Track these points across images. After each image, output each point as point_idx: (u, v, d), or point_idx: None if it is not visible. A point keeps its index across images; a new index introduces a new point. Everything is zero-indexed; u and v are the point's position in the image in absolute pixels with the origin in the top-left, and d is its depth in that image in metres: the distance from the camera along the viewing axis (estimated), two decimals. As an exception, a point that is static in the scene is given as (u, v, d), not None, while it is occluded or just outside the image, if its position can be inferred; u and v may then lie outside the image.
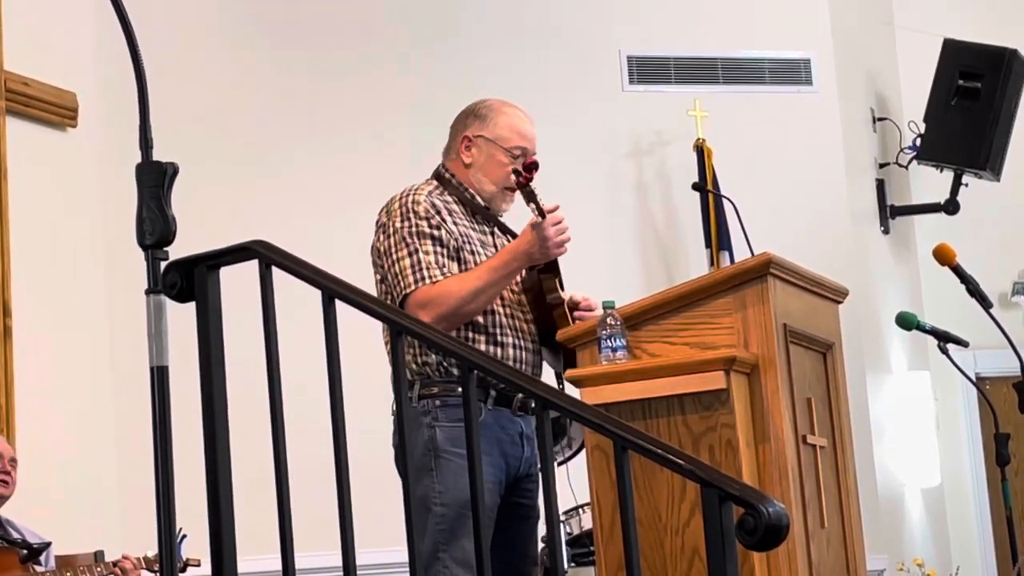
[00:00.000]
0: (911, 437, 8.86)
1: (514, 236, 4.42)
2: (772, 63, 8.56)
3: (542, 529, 4.41)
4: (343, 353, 2.90)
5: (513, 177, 4.29)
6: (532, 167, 4.27)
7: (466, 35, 8.05)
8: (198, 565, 5.40)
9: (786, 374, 3.91)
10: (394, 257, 4.21)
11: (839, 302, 4.42)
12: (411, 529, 2.88)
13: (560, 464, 5.04)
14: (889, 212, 9.14)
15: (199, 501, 2.84)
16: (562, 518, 5.71)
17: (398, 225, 4.23)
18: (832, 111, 8.62)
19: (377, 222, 4.34)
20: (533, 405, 3.86)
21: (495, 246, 4.37)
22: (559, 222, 4.20)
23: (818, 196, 8.44)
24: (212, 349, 2.86)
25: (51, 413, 6.55)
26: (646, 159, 8.32)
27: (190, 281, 2.87)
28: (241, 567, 2.86)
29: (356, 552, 2.85)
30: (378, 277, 4.31)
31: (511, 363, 4.20)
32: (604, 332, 3.91)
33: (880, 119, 9.24)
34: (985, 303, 5.44)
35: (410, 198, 4.28)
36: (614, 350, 3.89)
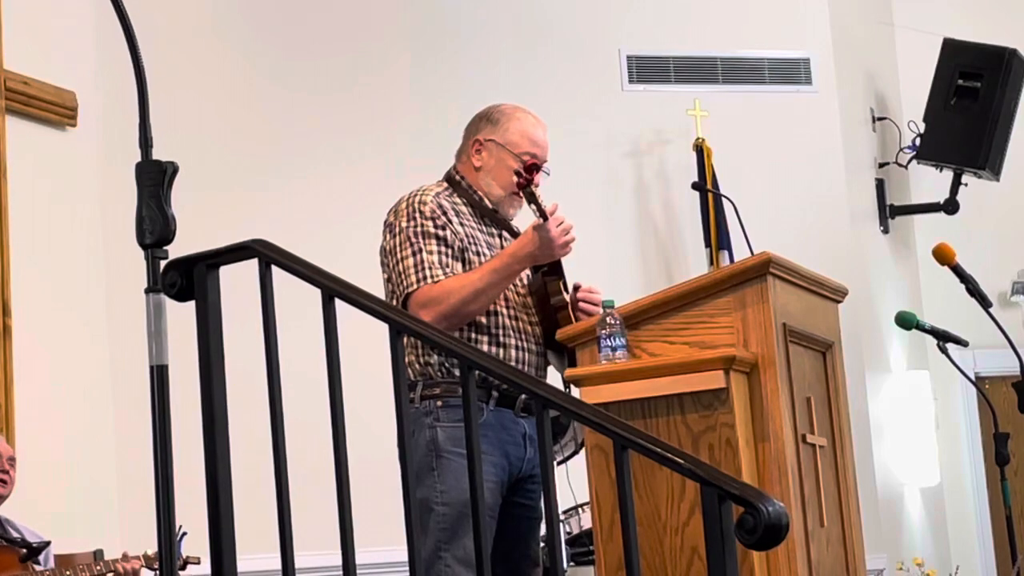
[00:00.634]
0: (910, 436, 8.86)
1: None
2: (772, 63, 8.57)
3: (541, 529, 4.42)
4: (343, 352, 2.90)
5: (514, 178, 4.30)
6: (533, 169, 4.29)
7: (466, 36, 8.05)
8: (198, 563, 5.40)
9: (786, 373, 3.91)
10: (398, 256, 4.23)
11: (838, 301, 4.42)
12: (411, 529, 2.88)
13: (560, 463, 5.04)
14: (889, 211, 9.14)
15: (199, 499, 2.84)
16: (561, 517, 5.71)
17: (403, 225, 4.26)
18: (832, 110, 8.62)
19: (384, 222, 4.36)
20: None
21: (502, 248, 4.38)
22: (562, 223, 4.22)
23: (818, 196, 8.44)
24: (212, 348, 2.86)
25: (50, 412, 6.55)
26: (646, 158, 8.32)
27: (190, 280, 2.87)
28: (241, 566, 2.86)
29: (356, 551, 2.85)
30: (385, 277, 4.33)
31: (513, 364, 4.21)
32: (604, 331, 3.91)
33: (880, 119, 9.24)
34: (984, 302, 5.44)
35: (417, 198, 4.30)
36: (614, 349, 3.89)
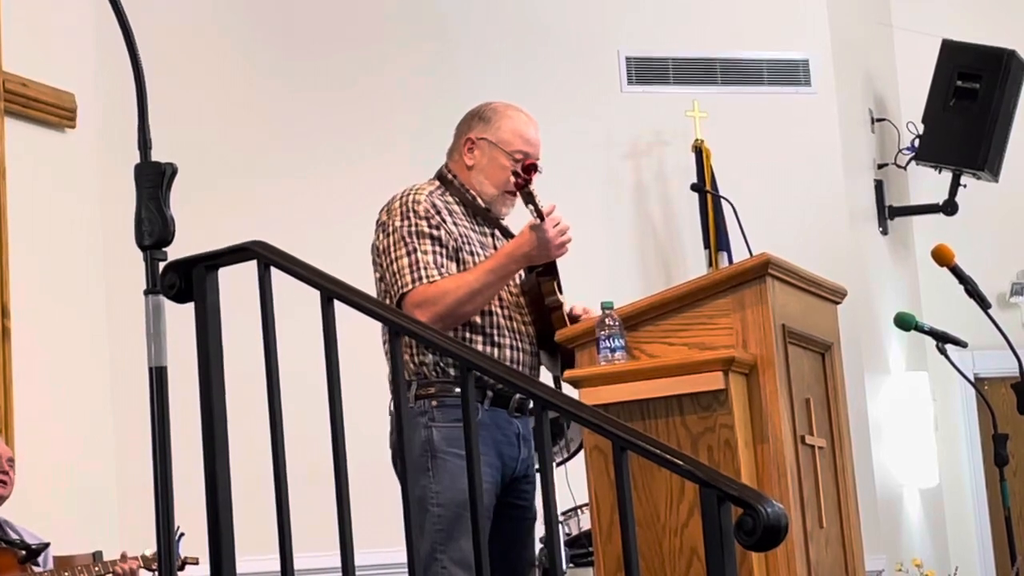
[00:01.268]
0: (909, 437, 8.86)
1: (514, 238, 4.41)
2: (770, 64, 8.57)
3: (539, 530, 4.41)
4: (342, 353, 2.90)
5: (512, 178, 4.28)
6: (531, 169, 4.26)
7: (465, 37, 8.05)
8: (196, 563, 5.40)
9: (785, 374, 3.91)
10: (392, 256, 4.21)
11: (838, 303, 4.42)
12: (410, 530, 2.88)
13: (558, 465, 5.04)
14: (887, 213, 9.14)
15: (198, 500, 2.84)
16: (560, 519, 5.71)
17: (397, 224, 4.24)
18: (830, 112, 8.62)
19: (377, 221, 4.34)
20: (531, 406, 3.87)
21: (495, 248, 4.37)
22: (558, 223, 4.21)
23: (816, 197, 8.44)
24: (211, 349, 2.86)
25: (50, 413, 6.55)
26: (644, 160, 8.32)
27: (189, 282, 2.86)
28: (240, 567, 2.86)
29: (355, 552, 2.85)
30: (377, 276, 4.31)
31: (508, 364, 4.20)
32: (603, 333, 3.91)
33: (878, 120, 9.24)
34: (983, 303, 5.44)
35: (410, 197, 4.28)
36: (613, 351, 3.89)
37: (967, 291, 5.46)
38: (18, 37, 6.67)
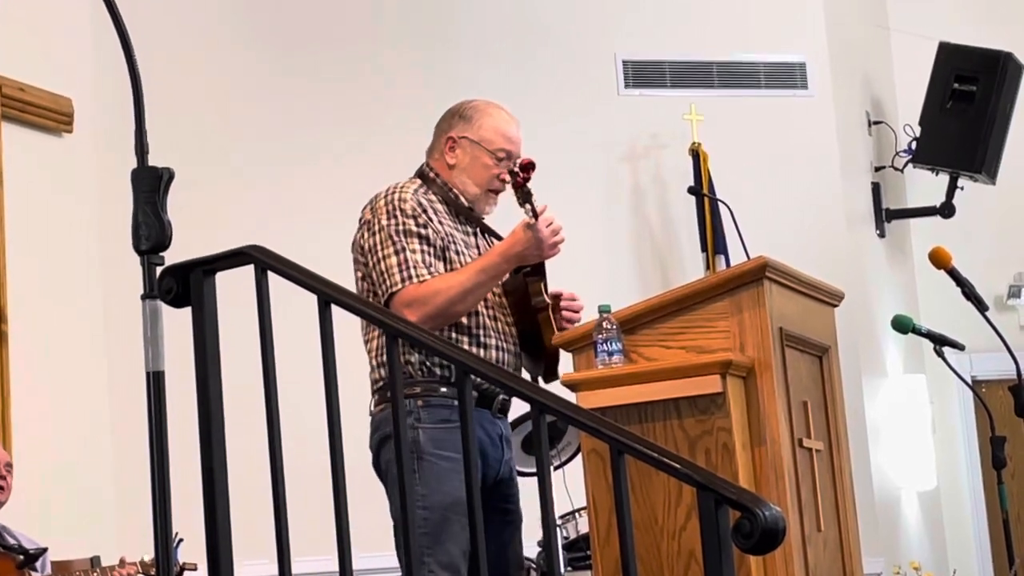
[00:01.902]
0: (907, 440, 8.86)
1: (497, 237, 4.38)
2: (767, 67, 8.57)
3: (536, 533, 4.40)
4: (339, 357, 2.90)
5: (509, 177, 4.24)
6: (529, 167, 4.19)
7: (462, 39, 8.06)
8: (195, 569, 5.41)
9: (782, 377, 3.91)
10: (380, 255, 4.15)
11: (835, 305, 4.42)
12: (407, 532, 2.88)
13: (555, 469, 5.04)
14: (885, 215, 9.15)
15: (195, 505, 2.84)
16: (558, 522, 5.71)
17: (384, 223, 4.18)
18: (827, 114, 8.63)
19: (361, 219, 4.28)
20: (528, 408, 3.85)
21: (478, 247, 4.32)
22: (551, 223, 4.16)
23: (814, 200, 8.45)
24: (208, 354, 2.86)
25: (47, 418, 6.55)
26: (642, 163, 8.32)
27: (186, 286, 2.86)
28: (238, 572, 2.86)
29: (353, 556, 2.85)
30: (359, 274, 4.24)
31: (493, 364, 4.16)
32: (600, 336, 3.91)
33: (875, 122, 9.25)
34: (981, 306, 5.44)
35: (396, 195, 4.23)
36: (610, 354, 3.89)
37: (964, 294, 5.46)
38: (15, 42, 6.68)
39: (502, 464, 4.24)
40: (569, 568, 5.80)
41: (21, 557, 5.43)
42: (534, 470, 2.97)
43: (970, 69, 8.75)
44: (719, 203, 7.84)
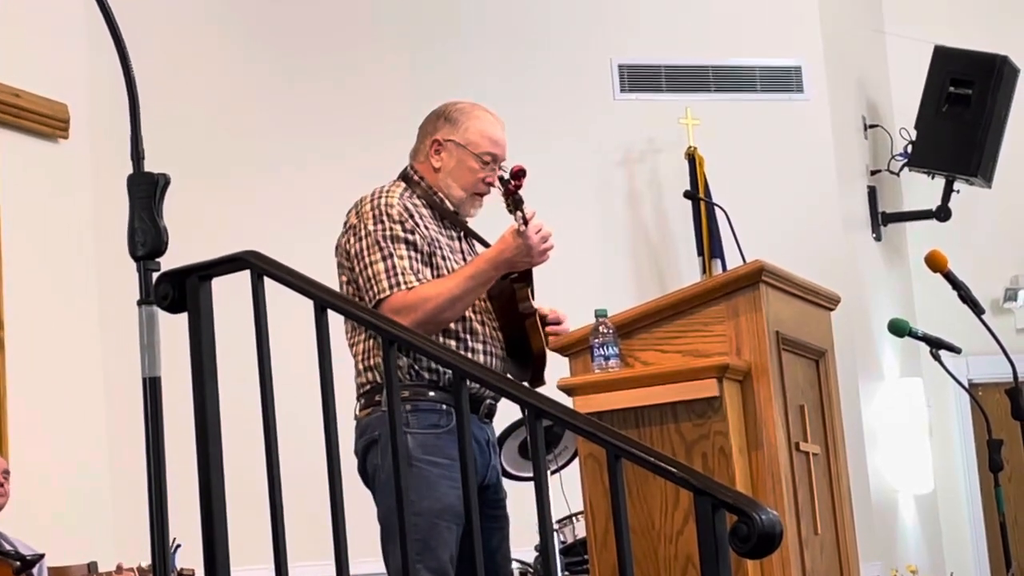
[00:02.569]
0: (904, 444, 8.87)
1: (481, 241, 4.36)
2: (763, 71, 8.58)
3: (534, 538, 4.40)
4: (335, 362, 2.90)
5: (499, 184, 4.22)
6: (521, 174, 4.15)
7: (459, 44, 8.06)
8: (192, 575, 5.40)
9: (779, 381, 3.91)
10: (367, 260, 4.12)
11: (831, 309, 4.42)
12: (403, 537, 2.88)
13: (552, 473, 5.04)
14: (881, 219, 9.15)
15: (193, 511, 2.83)
16: (556, 527, 5.71)
17: (371, 228, 4.14)
18: (823, 118, 8.63)
19: (346, 223, 4.25)
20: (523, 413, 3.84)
21: (463, 251, 4.30)
22: (540, 229, 4.12)
23: (810, 203, 8.46)
24: (204, 360, 2.86)
25: (44, 425, 6.54)
26: (638, 167, 8.33)
27: (182, 292, 2.86)
28: (235, 577, 2.86)
29: (350, 561, 2.85)
30: (344, 279, 4.21)
31: None
32: (596, 340, 3.91)
33: (871, 126, 9.26)
34: (977, 309, 5.44)
35: (382, 200, 4.19)
36: (607, 358, 3.89)
37: (960, 297, 5.46)
38: (11, 48, 6.68)
39: (489, 469, 4.22)
40: (566, 573, 5.80)
41: (18, 563, 5.42)
42: (531, 474, 2.97)
43: (965, 73, 8.76)
44: (715, 207, 7.84)
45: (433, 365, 4.04)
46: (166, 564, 2.78)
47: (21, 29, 6.78)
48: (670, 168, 8.23)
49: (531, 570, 5.90)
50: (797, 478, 3.94)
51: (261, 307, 2.89)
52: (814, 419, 4.15)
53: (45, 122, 6.80)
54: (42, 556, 5.56)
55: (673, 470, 2.71)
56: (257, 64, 7.70)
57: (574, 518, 5.78)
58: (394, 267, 4.09)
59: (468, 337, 4.19)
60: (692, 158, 8.10)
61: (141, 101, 2.85)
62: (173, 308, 2.86)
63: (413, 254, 4.13)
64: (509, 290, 4.25)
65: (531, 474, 4.18)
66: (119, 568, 5.54)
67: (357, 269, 4.15)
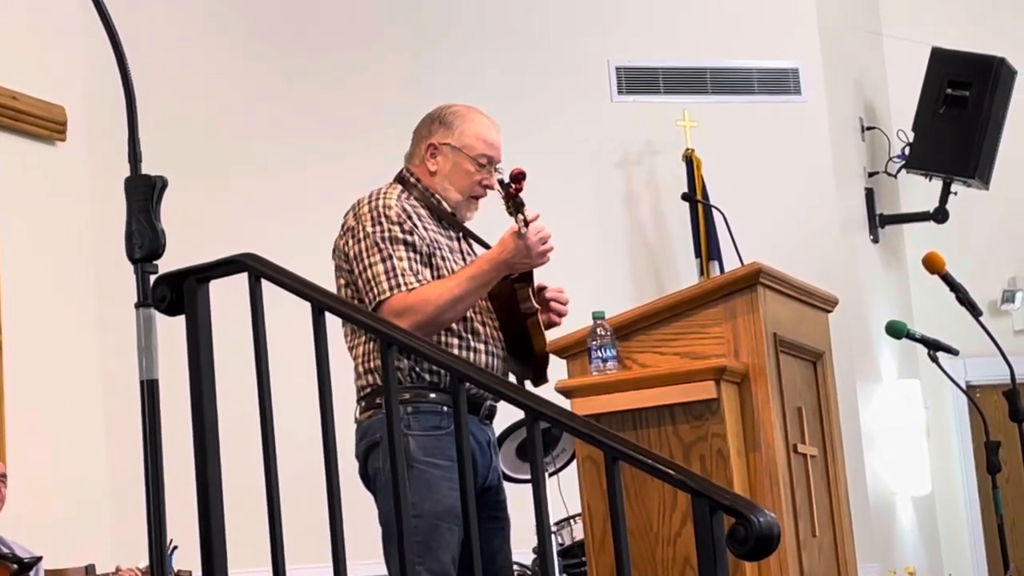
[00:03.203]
0: (902, 445, 8.87)
1: (480, 241, 4.36)
2: (761, 73, 8.58)
3: (531, 540, 4.40)
4: (333, 365, 2.90)
5: (499, 188, 4.22)
6: (521, 177, 4.15)
7: (457, 46, 8.06)
8: (189, 578, 5.40)
9: (776, 383, 3.91)
10: (366, 263, 4.12)
11: (829, 311, 4.42)
12: (402, 540, 2.88)
13: (550, 476, 5.03)
14: (878, 221, 9.15)
15: (190, 513, 2.83)
16: (553, 529, 5.70)
17: (369, 229, 4.14)
18: (821, 120, 8.63)
19: (344, 225, 4.25)
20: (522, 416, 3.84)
21: (462, 251, 4.30)
22: (540, 231, 4.12)
23: (807, 205, 8.46)
24: (202, 362, 2.86)
25: (41, 427, 6.54)
26: (635, 169, 8.33)
27: (180, 294, 2.86)
28: (232, 580, 2.86)
29: (351, 563, 2.85)
30: (342, 281, 4.21)
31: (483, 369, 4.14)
32: (594, 343, 3.91)
33: (869, 128, 9.26)
34: (975, 311, 5.44)
35: (380, 202, 4.19)
36: (604, 360, 3.89)
37: (958, 299, 5.46)
38: (8, 50, 6.68)
39: (490, 471, 4.22)
40: (564, 575, 5.79)
41: (16, 566, 5.42)
42: (529, 476, 2.97)
43: (963, 74, 8.76)
44: (713, 209, 7.84)
45: (434, 367, 4.04)
46: (163, 566, 2.78)
47: (18, 31, 6.78)
48: (668, 170, 8.23)
49: (529, 572, 5.89)
50: (795, 480, 3.94)
51: (259, 309, 2.89)
52: (812, 421, 4.15)
53: (42, 125, 6.80)
54: (40, 559, 5.56)
55: (671, 472, 2.71)
56: (256, 64, 7.71)
57: (572, 520, 5.77)
58: (394, 268, 4.09)
59: (470, 337, 4.19)
60: (690, 160, 8.10)
61: (138, 102, 2.85)
62: (171, 310, 2.86)
63: (412, 255, 4.13)
64: (510, 290, 4.26)
65: (529, 476, 4.17)
66: (117, 570, 5.54)
67: (356, 271, 4.15)
